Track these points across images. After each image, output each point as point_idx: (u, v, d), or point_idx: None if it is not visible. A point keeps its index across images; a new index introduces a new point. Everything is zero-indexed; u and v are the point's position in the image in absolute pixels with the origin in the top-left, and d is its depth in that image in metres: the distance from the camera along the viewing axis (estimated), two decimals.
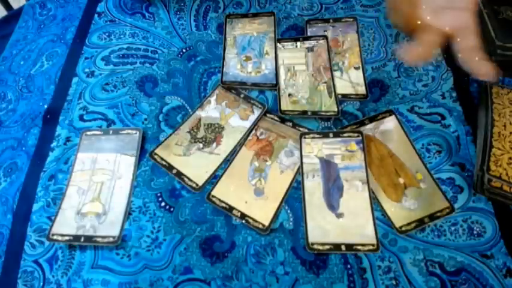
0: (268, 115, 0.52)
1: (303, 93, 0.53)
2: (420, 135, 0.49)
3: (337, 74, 0.55)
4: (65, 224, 0.45)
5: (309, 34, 0.59)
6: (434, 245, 0.42)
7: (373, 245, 0.41)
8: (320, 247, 0.42)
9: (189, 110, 0.54)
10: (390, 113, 0.50)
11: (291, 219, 0.45)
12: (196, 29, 0.62)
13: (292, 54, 0.57)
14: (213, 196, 0.46)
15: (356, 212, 0.43)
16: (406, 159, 0.47)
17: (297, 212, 0.45)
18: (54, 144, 0.52)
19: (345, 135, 0.48)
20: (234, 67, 0.56)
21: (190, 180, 0.48)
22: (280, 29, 0.60)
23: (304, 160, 0.47)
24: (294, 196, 0.46)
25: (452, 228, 0.42)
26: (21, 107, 0.57)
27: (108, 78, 0.57)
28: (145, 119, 0.53)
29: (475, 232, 0.42)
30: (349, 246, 0.42)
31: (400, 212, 0.43)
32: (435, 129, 0.49)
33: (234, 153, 0.49)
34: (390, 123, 0.50)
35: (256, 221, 0.44)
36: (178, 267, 0.43)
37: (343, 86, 0.53)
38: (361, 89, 0.53)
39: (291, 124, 0.51)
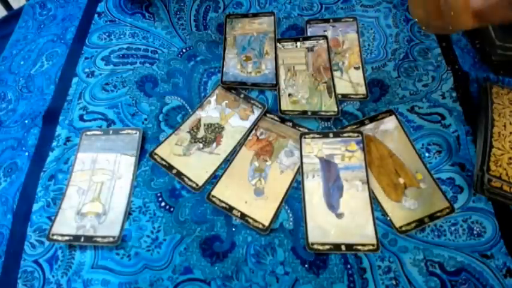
0: (268, 115, 0.52)
1: (303, 93, 0.53)
2: (420, 135, 0.49)
3: (337, 74, 0.55)
4: (65, 224, 0.45)
5: (309, 34, 0.59)
6: (434, 245, 0.42)
7: (373, 245, 0.41)
8: (320, 247, 0.42)
9: (189, 110, 0.54)
10: (390, 113, 0.50)
11: (291, 219, 0.45)
12: (196, 29, 0.62)
13: (292, 54, 0.57)
14: (213, 196, 0.46)
15: (356, 212, 0.43)
16: (406, 159, 0.47)
17: (297, 212, 0.45)
18: (54, 144, 0.52)
19: (345, 135, 0.48)
20: (234, 67, 0.56)
21: (190, 180, 0.48)
22: (280, 29, 0.60)
23: (304, 160, 0.47)
24: (294, 196, 0.46)
25: (452, 228, 0.42)
26: (21, 107, 0.57)
27: (108, 78, 0.57)
28: (145, 119, 0.53)
29: (475, 232, 0.42)
30: (349, 246, 0.42)
31: (400, 212, 0.43)
32: (435, 129, 0.49)
33: (234, 153, 0.49)
34: (390, 123, 0.50)
35: (256, 221, 0.44)
36: (178, 267, 0.43)
37: (343, 86, 0.53)
38: (361, 89, 0.53)
39: (291, 124, 0.51)
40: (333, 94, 0.52)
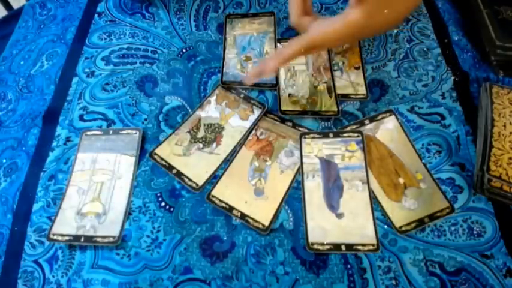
0: (268, 115, 0.52)
1: (303, 93, 0.53)
2: (420, 135, 0.49)
3: (337, 74, 0.55)
4: (65, 224, 0.45)
5: None
6: (434, 245, 0.42)
7: (373, 245, 0.41)
8: (320, 247, 0.42)
9: (189, 110, 0.54)
10: (390, 113, 0.50)
11: (291, 219, 0.45)
12: (196, 29, 0.62)
13: None
14: (213, 196, 0.46)
15: (356, 212, 0.43)
16: (406, 159, 0.47)
17: (297, 212, 0.45)
18: (54, 144, 0.52)
19: (345, 135, 0.48)
20: (234, 67, 0.56)
21: (190, 180, 0.48)
22: (280, 29, 0.60)
23: (304, 160, 0.47)
24: (294, 196, 0.46)
25: (452, 228, 0.42)
26: (21, 107, 0.57)
27: (108, 78, 0.57)
28: (145, 119, 0.53)
29: (475, 232, 0.42)
30: (349, 246, 0.42)
31: (400, 212, 0.43)
32: (435, 129, 0.49)
33: (234, 153, 0.49)
34: (390, 123, 0.50)
35: (256, 221, 0.44)
36: (178, 267, 0.43)
37: (343, 86, 0.53)
38: (361, 89, 0.53)
39: (291, 124, 0.51)
40: (333, 94, 0.52)
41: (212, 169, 0.48)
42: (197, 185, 0.47)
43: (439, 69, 0.53)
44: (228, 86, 0.55)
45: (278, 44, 0.58)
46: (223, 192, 0.46)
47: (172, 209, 0.46)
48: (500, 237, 0.41)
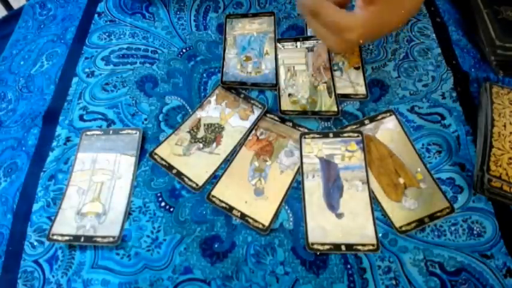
0: (268, 115, 0.52)
1: (303, 93, 0.53)
2: (420, 135, 0.49)
3: (337, 74, 0.55)
4: (65, 224, 0.45)
5: (309, 34, 0.59)
6: (434, 245, 0.42)
7: (373, 245, 0.41)
8: (320, 247, 0.42)
9: (189, 110, 0.54)
10: (390, 113, 0.50)
11: (291, 219, 0.45)
12: (196, 29, 0.62)
13: (292, 54, 0.57)
14: (213, 196, 0.46)
15: (356, 212, 0.43)
16: (406, 159, 0.47)
17: (297, 212, 0.45)
18: (54, 144, 0.52)
19: (345, 135, 0.48)
20: (234, 67, 0.56)
21: (190, 180, 0.48)
22: (280, 29, 0.60)
23: (304, 160, 0.47)
24: (294, 196, 0.46)
25: (452, 228, 0.42)
26: (21, 107, 0.57)
27: (108, 78, 0.57)
28: (146, 119, 0.53)
29: (475, 232, 0.42)
30: (349, 246, 0.42)
31: (400, 212, 0.43)
32: (435, 129, 0.49)
33: (234, 153, 0.49)
34: (390, 123, 0.50)
35: (256, 221, 0.44)
36: (178, 267, 0.43)
37: (343, 86, 0.53)
38: (361, 89, 0.53)
39: (291, 124, 0.51)
40: (333, 94, 0.52)
41: (212, 169, 0.48)
42: (197, 185, 0.47)
43: (439, 69, 0.53)
44: (228, 86, 0.55)
45: (278, 44, 0.58)
46: (223, 192, 0.46)
47: (172, 209, 0.46)
48: (500, 237, 0.41)
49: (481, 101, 0.49)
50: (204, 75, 0.57)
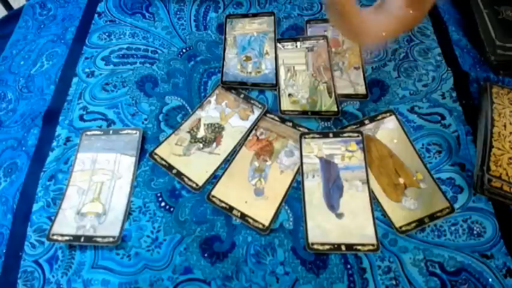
0: (268, 115, 0.52)
1: (303, 93, 0.53)
2: (420, 135, 0.49)
3: (337, 74, 0.55)
4: (65, 224, 0.45)
5: (309, 34, 0.59)
6: (434, 245, 0.42)
7: (373, 245, 0.41)
8: (320, 247, 0.42)
9: (189, 110, 0.54)
10: (390, 113, 0.50)
11: (291, 219, 0.45)
12: (196, 29, 0.62)
13: (292, 54, 0.57)
14: (213, 196, 0.46)
15: (356, 212, 0.43)
16: (406, 159, 0.47)
17: (297, 212, 0.45)
18: (54, 144, 0.52)
19: (345, 135, 0.48)
20: (234, 67, 0.56)
21: (190, 180, 0.48)
22: (280, 29, 0.60)
23: (304, 160, 0.47)
24: (294, 196, 0.46)
25: (452, 228, 0.42)
26: (21, 107, 0.57)
27: (108, 78, 0.57)
28: (145, 119, 0.53)
29: (475, 232, 0.42)
30: (349, 246, 0.42)
31: (400, 212, 0.43)
32: (435, 129, 0.49)
33: (234, 153, 0.49)
34: (390, 123, 0.50)
35: (256, 221, 0.44)
36: (178, 267, 0.43)
37: (343, 86, 0.53)
38: (361, 89, 0.53)
39: (291, 124, 0.51)
40: (333, 94, 0.52)
41: (212, 169, 0.48)
42: (197, 185, 0.47)
43: (439, 69, 0.53)
44: (228, 86, 0.55)
45: (278, 44, 0.58)
46: (223, 192, 0.46)
47: (172, 209, 0.46)
48: (500, 237, 0.41)
49: (481, 101, 0.49)
50: (204, 75, 0.57)
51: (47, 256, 0.45)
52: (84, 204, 0.47)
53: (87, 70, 0.59)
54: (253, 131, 0.51)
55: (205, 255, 0.43)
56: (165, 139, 0.51)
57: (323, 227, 0.43)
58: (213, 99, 0.54)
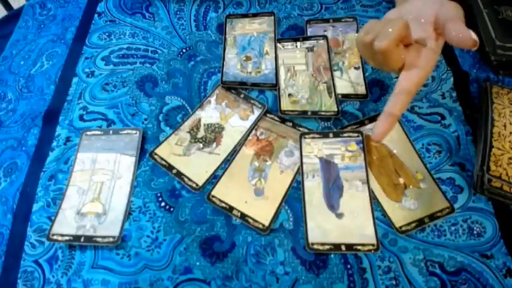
0: (268, 115, 0.52)
1: (303, 93, 0.53)
2: (420, 135, 0.49)
3: (337, 74, 0.55)
4: (65, 224, 0.45)
5: (309, 34, 0.59)
6: (434, 245, 0.42)
7: (373, 245, 0.41)
8: (320, 247, 0.42)
9: (189, 110, 0.54)
10: None
11: (291, 219, 0.45)
12: (196, 29, 0.62)
13: (292, 54, 0.57)
14: (213, 196, 0.46)
15: (356, 212, 0.43)
16: (406, 159, 0.47)
17: (297, 212, 0.45)
18: (54, 144, 0.52)
19: (345, 135, 0.48)
20: (234, 67, 0.56)
21: (190, 180, 0.48)
22: (280, 29, 0.60)
23: (304, 160, 0.47)
24: (294, 196, 0.46)
25: (452, 228, 0.42)
26: (21, 107, 0.57)
27: (108, 78, 0.57)
28: (145, 119, 0.53)
29: (475, 232, 0.42)
30: (349, 246, 0.42)
31: (400, 212, 0.43)
32: (435, 129, 0.49)
33: (234, 153, 0.49)
34: None
35: (256, 221, 0.44)
36: (178, 267, 0.43)
37: (343, 86, 0.53)
38: (361, 89, 0.53)
39: (291, 124, 0.51)
40: (333, 94, 0.52)
41: (212, 169, 0.48)
42: (197, 185, 0.47)
43: (439, 69, 0.53)
44: (228, 86, 0.55)
45: (278, 44, 0.58)
46: (223, 192, 0.46)
47: (172, 209, 0.46)
48: (500, 237, 0.41)
49: (481, 101, 0.49)
50: (204, 75, 0.57)
51: (47, 256, 0.45)
52: (84, 204, 0.47)
53: (87, 70, 0.59)
54: (253, 131, 0.51)
55: (205, 255, 0.43)
56: (165, 139, 0.51)
57: (323, 227, 0.43)
58: (213, 99, 0.54)
